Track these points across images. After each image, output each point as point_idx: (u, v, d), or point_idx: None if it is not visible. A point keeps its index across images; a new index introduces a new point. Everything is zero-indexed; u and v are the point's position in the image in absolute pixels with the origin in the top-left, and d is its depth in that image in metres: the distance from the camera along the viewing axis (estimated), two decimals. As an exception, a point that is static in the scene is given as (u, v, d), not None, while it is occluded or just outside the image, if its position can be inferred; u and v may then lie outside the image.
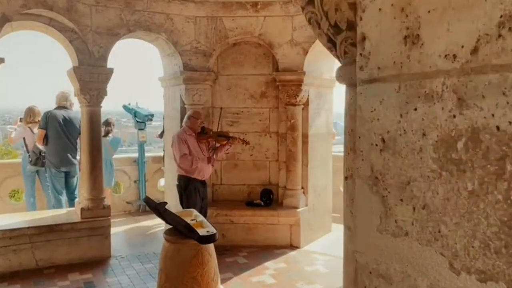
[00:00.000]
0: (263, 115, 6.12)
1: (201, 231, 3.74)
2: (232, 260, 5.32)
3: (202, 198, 5.26)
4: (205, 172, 5.17)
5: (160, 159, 7.88)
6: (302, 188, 5.91)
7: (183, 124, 5.30)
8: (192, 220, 4.05)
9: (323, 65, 6.07)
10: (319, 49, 5.72)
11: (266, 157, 6.15)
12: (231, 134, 5.36)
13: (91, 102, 5.30)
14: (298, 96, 5.70)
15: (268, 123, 6.12)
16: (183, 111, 6.02)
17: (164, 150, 7.46)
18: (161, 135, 7.81)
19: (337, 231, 6.55)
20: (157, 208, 4.03)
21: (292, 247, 5.82)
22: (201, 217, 4.14)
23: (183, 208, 5.21)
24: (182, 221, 3.84)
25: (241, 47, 6.08)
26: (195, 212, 4.32)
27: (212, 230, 3.77)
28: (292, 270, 5.08)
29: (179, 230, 3.90)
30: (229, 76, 6.13)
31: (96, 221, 5.34)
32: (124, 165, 7.83)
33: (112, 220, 5.61)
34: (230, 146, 5.34)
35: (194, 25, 5.81)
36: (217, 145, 5.25)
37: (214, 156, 5.22)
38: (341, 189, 8.09)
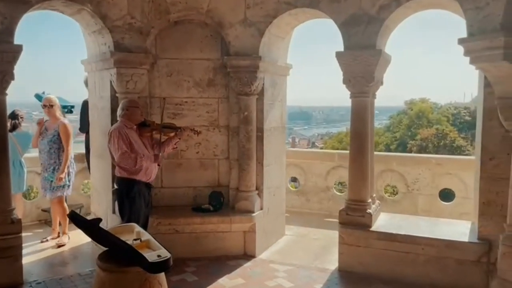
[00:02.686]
0: (211, 106, 5.29)
1: (150, 255, 2.88)
2: (180, 279, 4.48)
3: (147, 204, 4.37)
4: (151, 172, 4.31)
5: (83, 157, 6.71)
6: (257, 189, 5.20)
7: (119, 116, 4.34)
8: (136, 239, 3.16)
9: (278, 50, 5.39)
10: (275, 30, 5.04)
11: (215, 155, 5.34)
12: (178, 125, 4.52)
13: (-7, 88, 4.11)
14: (252, 84, 4.96)
15: (217, 116, 5.30)
16: (114, 100, 5.01)
17: (86, 148, 6.34)
18: (81, 129, 6.67)
19: (290, 234, 5.97)
20: (88, 227, 3.08)
21: (247, 256, 5.10)
22: (146, 235, 3.26)
23: (122, 218, 4.28)
24: (124, 243, 2.94)
25: (184, 26, 5.19)
26: (137, 227, 3.42)
27: (165, 253, 2.93)
28: (252, 287, 4.37)
29: (119, 254, 3.00)
30: (170, 60, 5.22)
31: (3, 240, 4.18)
32: (38, 166, 6.52)
33: (24, 235, 4.46)
34: (179, 139, 4.50)
35: (127, -4, 4.81)
36: (164, 138, 4.39)
37: (161, 153, 4.35)
38: (291, 187, 7.55)
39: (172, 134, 4.45)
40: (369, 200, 4.67)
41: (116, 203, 4.43)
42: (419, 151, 38.38)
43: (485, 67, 3.55)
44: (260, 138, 5.17)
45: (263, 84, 5.12)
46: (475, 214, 4.62)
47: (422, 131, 42.54)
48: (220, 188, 5.31)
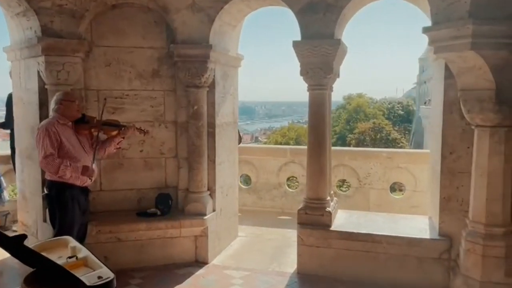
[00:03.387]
0: (156, 100, 4.80)
1: (89, 277, 2.40)
2: (124, 294, 3.99)
3: (84, 211, 3.82)
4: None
5: (8, 159, 5.93)
6: (209, 189, 4.80)
7: (52, 111, 3.76)
8: (71, 257, 2.66)
9: (230, 39, 5.01)
10: (227, 17, 4.65)
11: (161, 153, 4.86)
12: (121, 122, 3.99)
13: None
14: (203, 76, 4.54)
15: (162, 110, 4.82)
16: (43, 94, 4.38)
17: (12, 147, 5.59)
18: (2, 126, 5.90)
19: (244, 235, 5.64)
20: (9, 246, 2.53)
21: (198, 263, 4.69)
22: (84, 251, 2.76)
23: (54, 228, 3.72)
24: (54, 264, 2.43)
25: (124, 10, 4.65)
26: (72, 242, 2.90)
27: (106, 273, 2.46)
28: (206, 298, 3.99)
29: (49, 276, 2.49)
30: (109, 48, 4.66)
31: None
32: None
33: None
34: (123, 138, 3.98)
35: (56, -27, 4.20)
36: (104, 137, 3.85)
37: (102, 153, 3.83)
38: (243, 185, 7.21)
39: (114, 133, 3.92)
40: (328, 198, 4.45)
41: (48, 210, 3.85)
42: (358, 144, 39.85)
43: (450, 57, 3.41)
44: (211, 134, 4.76)
45: (214, 75, 4.71)
46: (432, 209, 4.56)
47: (360, 125, 44.19)
48: (168, 190, 4.84)
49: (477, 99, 3.42)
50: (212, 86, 4.72)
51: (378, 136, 42.23)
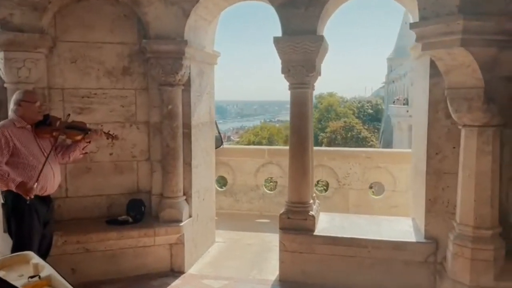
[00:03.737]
0: (127, 99, 4.49)
1: (53, 301, 2.12)
2: (93, 309, 3.68)
3: (45, 223, 3.47)
4: (47, 183, 3.39)
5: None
6: (185, 194, 4.53)
7: (11, 112, 3.41)
8: (32, 277, 2.35)
9: (205, 35, 4.75)
10: (202, 12, 4.40)
11: (133, 156, 4.56)
12: (88, 125, 3.64)
13: None
14: (177, 73, 4.26)
15: (134, 110, 4.52)
16: (2, 92, 4.02)
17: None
18: None
19: (222, 241, 5.40)
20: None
21: (174, 272, 4.42)
22: (48, 269, 2.46)
23: (13, 240, 3.37)
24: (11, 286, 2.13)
25: (90, 2, 4.32)
26: (35, 258, 2.59)
27: (74, 294, 2.18)
28: (183, 311, 3.73)
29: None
30: (74, 43, 4.32)
31: None
32: None
33: None
34: (89, 143, 3.62)
35: (15, -39, 3.83)
36: (68, 141, 3.50)
37: (67, 159, 3.49)
38: (218, 188, 6.95)
39: (78, 138, 3.53)
40: (311, 201, 4.26)
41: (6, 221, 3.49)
42: (329, 143, 40.25)
43: (438, 54, 3.28)
44: (187, 136, 4.49)
45: (190, 73, 4.44)
46: (415, 210, 4.46)
47: (332, 124, 44.68)
48: (141, 195, 4.55)
49: (465, 97, 3.30)
50: (187, 84, 4.45)
51: (349, 135, 42.81)
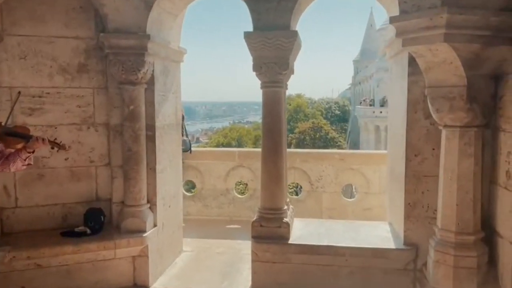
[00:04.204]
0: (84, 98, 4.11)
1: None
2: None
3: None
4: None
5: None
6: (149, 201, 4.18)
7: None
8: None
9: (170, 30, 4.41)
10: (167, 5, 4.08)
11: (91, 161, 4.17)
12: (31, 132, 3.14)
13: None
14: (139, 71, 3.91)
15: (92, 111, 4.14)
16: None
17: None
18: None
19: (190, 250, 5.07)
20: None
21: (138, 287, 4.07)
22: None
23: None
24: None
25: (42, -8, 3.91)
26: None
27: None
28: (147, 331, 3.39)
29: None
30: (24, 37, 3.91)
31: None
32: None
33: None
34: (32, 152, 3.12)
35: None
36: (7, 150, 3.03)
37: (7, 170, 3.01)
38: (186, 193, 6.60)
39: (19, 146, 2.96)
40: (285, 207, 4.01)
41: None
42: (298, 144, 40.38)
43: (419, 50, 3.09)
44: (151, 138, 4.14)
45: (153, 71, 4.10)
46: (393, 214, 4.29)
47: (300, 125, 44.90)
48: (100, 204, 4.17)
49: (446, 96, 3.13)
50: (151, 82, 4.11)
51: (317, 136, 43.14)
